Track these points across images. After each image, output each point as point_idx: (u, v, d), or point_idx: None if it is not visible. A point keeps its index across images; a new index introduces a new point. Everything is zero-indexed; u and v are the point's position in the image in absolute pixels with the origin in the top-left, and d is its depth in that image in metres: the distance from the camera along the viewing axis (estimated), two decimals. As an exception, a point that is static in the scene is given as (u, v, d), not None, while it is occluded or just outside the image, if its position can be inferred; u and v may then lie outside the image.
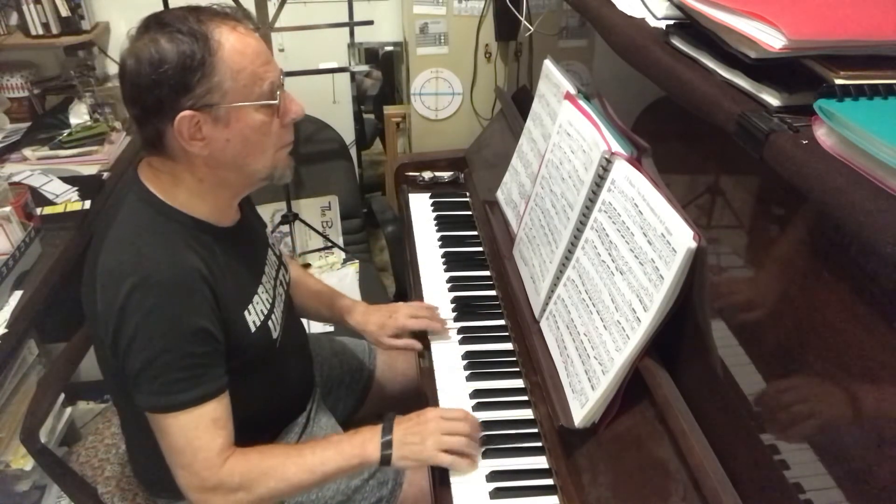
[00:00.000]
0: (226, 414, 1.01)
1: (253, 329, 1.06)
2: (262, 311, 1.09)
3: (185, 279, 0.95)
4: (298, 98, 1.03)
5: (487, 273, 1.49)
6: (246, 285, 1.08)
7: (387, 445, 1.05)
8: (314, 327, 1.94)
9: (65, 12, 2.13)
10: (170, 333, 0.94)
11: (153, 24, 0.92)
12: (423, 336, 1.34)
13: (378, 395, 1.49)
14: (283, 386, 1.20)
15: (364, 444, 1.05)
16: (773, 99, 0.74)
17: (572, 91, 1.23)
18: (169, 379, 0.95)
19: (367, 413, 1.48)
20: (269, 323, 1.11)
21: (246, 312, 1.06)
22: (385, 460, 1.05)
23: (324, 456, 1.04)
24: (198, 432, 0.98)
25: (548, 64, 1.39)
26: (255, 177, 1.03)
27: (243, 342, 1.04)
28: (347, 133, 2.50)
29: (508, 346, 1.31)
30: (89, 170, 1.97)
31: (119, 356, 0.96)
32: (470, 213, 1.68)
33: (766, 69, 0.74)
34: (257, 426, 1.08)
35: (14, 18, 2.18)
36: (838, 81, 0.67)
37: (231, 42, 0.93)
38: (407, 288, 1.53)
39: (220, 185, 1.01)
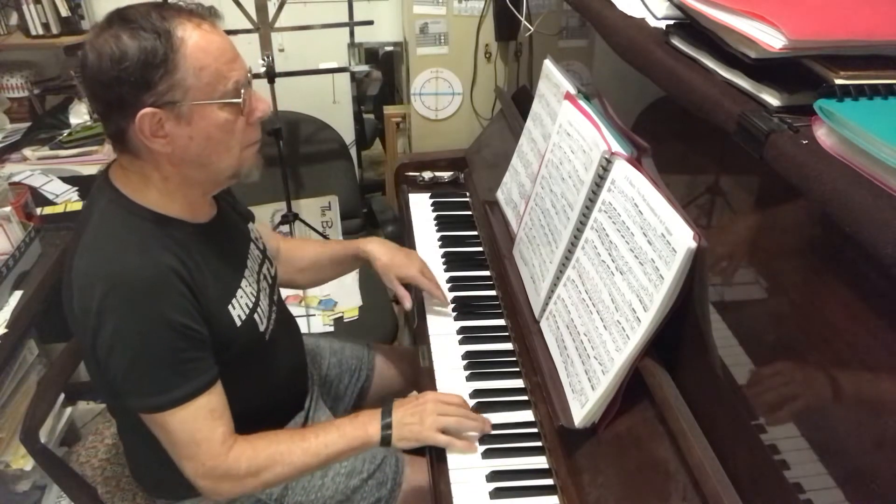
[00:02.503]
0: (221, 403, 1.01)
1: (238, 323, 1.06)
2: (246, 304, 1.09)
3: (159, 277, 0.94)
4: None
5: (487, 273, 1.49)
6: (227, 280, 1.07)
7: (387, 427, 1.08)
8: (314, 327, 1.94)
9: (65, 12, 2.13)
10: (149, 333, 0.93)
11: (116, 20, 0.91)
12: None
13: (377, 395, 1.49)
14: (276, 379, 1.20)
15: (365, 425, 1.08)
16: (773, 99, 0.74)
17: (572, 91, 1.23)
18: (157, 378, 0.95)
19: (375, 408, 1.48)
20: (256, 316, 1.10)
21: (230, 307, 1.05)
22: (385, 441, 1.08)
23: (327, 439, 1.06)
24: (197, 425, 0.98)
25: (548, 64, 1.39)
26: (220, 175, 1.02)
27: (230, 336, 1.04)
28: (347, 133, 2.50)
29: (508, 346, 1.31)
30: (89, 170, 1.97)
31: (100, 361, 0.95)
32: (470, 213, 1.68)
33: (766, 69, 0.74)
34: (254, 420, 1.08)
35: (14, 18, 2.18)
36: (838, 81, 0.67)
37: (194, 39, 0.91)
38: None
39: (185, 182, 1.00)
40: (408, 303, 1.34)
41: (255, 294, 1.12)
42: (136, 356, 0.94)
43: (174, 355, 0.95)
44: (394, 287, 1.34)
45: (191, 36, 0.91)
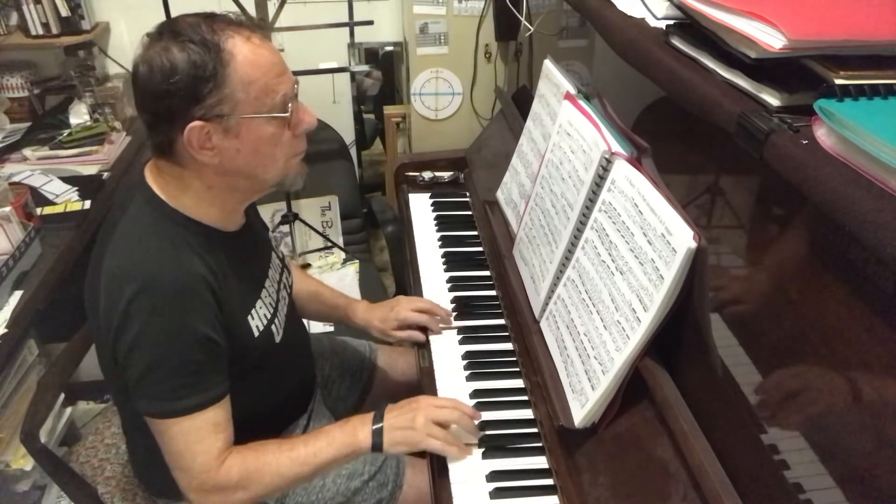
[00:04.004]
0: (226, 417, 1.01)
1: (256, 334, 1.06)
2: (265, 315, 1.09)
3: (189, 285, 0.95)
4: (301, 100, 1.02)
5: (487, 273, 1.49)
6: (250, 290, 1.08)
7: (377, 433, 1.07)
8: (314, 327, 1.94)
9: (65, 12, 2.13)
10: (172, 340, 0.93)
11: (166, 32, 0.91)
12: (423, 333, 1.34)
13: (378, 395, 1.49)
14: (284, 387, 1.20)
15: (355, 432, 1.07)
16: (773, 99, 0.74)
17: (572, 91, 1.23)
18: (170, 385, 0.95)
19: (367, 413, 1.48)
20: (273, 327, 1.11)
21: (249, 317, 1.05)
22: (376, 447, 1.06)
23: (316, 447, 1.05)
24: (198, 436, 0.98)
25: (548, 64, 1.39)
26: (265, 184, 1.03)
27: (247, 347, 1.04)
28: (347, 133, 2.50)
29: (508, 346, 1.31)
30: (89, 170, 1.97)
31: (120, 360, 0.95)
32: (470, 213, 1.68)
33: (766, 69, 0.74)
34: (258, 426, 1.08)
35: (14, 18, 2.18)
36: (838, 81, 0.67)
37: (244, 53, 0.91)
38: (407, 288, 1.53)
39: (229, 191, 1.01)
40: (419, 336, 1.33)
41: (273, 304, 1.13)
42: (155, 361, 0.94)
43: (191, 366, 0.95)
44: (397, 337, 1.34)
45: (240, 50, 0.91)
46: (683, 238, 0.83)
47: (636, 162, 0.99)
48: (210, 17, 0.93)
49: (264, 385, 1.14)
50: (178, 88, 0.89)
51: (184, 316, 0.94)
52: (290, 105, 0.96)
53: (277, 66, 0.96)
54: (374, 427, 1.07)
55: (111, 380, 1.06)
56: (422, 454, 1.16)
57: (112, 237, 0.97)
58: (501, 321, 1.36)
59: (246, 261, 1.08)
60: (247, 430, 1.05)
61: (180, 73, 0.89)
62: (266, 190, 1.05)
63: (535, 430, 1.13)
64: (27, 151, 2.02)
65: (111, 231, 0.99)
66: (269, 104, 0.94)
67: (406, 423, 1.07)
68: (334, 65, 2.20)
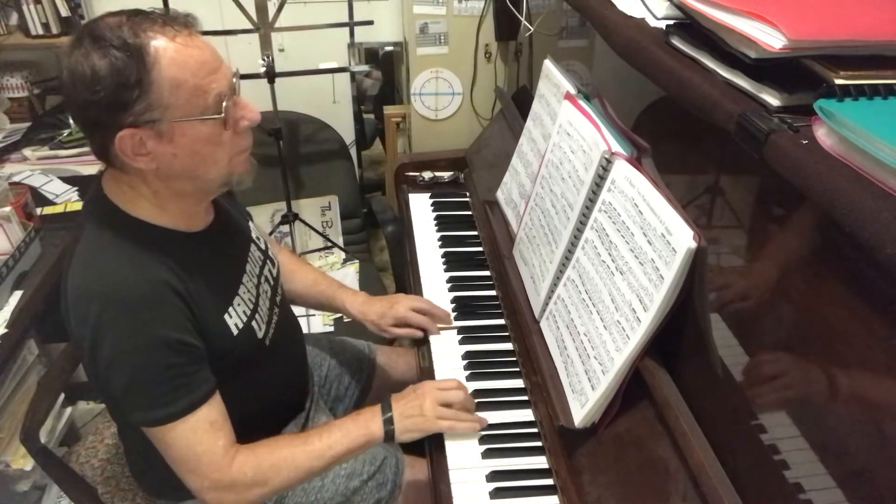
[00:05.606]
0: (221, 414, 1.01)
1: (235, 332, 1.05)
2: (244, 311, 1.07)
3: (154, 294, 0.93)
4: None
5: (487, 273, 1.49)
6: (225, 288, 1.06)
7: (388, 422, 1.09)
8: (314, 327, 1.94)
9: (65, 12, 2.13)
10: (146, 350, 0.92)
11: (86, 36, 0.86)
12: (421, 331, 1.34)
13: (378, 395, 1.48)
14: (276, 384, 1.19)
15: (368, 423, 1.09)
16: (773, 99, 0.74)
17: (572, 91, 1.23)
18: (156, 393, 0.95)
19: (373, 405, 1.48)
20: (253, 323, 1.09)
21: (226, 316, 1.04)
22: (389, 435, 1.08)
23: (331, 440, 1.06)
24: (198, 437, 0.98)
25: (548, 64, 1.39)
26: (211, 185, 1.00)
27: (227, 346, 1.03)
28: (347, 133, 2.50)
29: (508, 346, 1.31)
30: (89, 170, 1.97)
31: (100, 377, 0.94)
32: (470, 213, 1.68)
33: (766, 69, 0.74)
34: (255, 425, 1.07)
35: (14, 18, 2.18)
36: (838, 81, 0.67)
37: (169, 55, 0.87)
38: (407, 288, 1.53)
39: (176, 195, 0.98)
40: (417, 334, 1.33)
41: (253, 300, 1.11)
42: (134, 374, 0.93)
43: (171, 371, 0.95)
44: (393, 334, 1.34)
45: (165, 52, 0.86)
46: (683, 238, 0.83)
47: (636, 162, 0.99)
48: (134, 16, 0.89)
49: (255, 383, 1.13)
50: (103, 98, 0.85)
51: (153, 326, 0.92)
52: (224, 104, 0.92)
53: (208, 65, 0.91)
54: (385, 417, 1.09)
55: (100, 394, 1.04)
56: (421, 453, 1.16)
57: (74, 254, 0.95)
58: (501, 321, 1.36)
59: (218, 258, 1.06)
60: (245, 430, 1.05)
61: (103, 81, 0.84)
62: (215, 191, 1.03)
63: (535, 430, 1.13)
64: (27, 151, 2.02)
65: (73, 248, 0.96)
66: (202, 105, 0.90)
67: (415, 411, 1.09)
68: (334, 65, 2.20)
